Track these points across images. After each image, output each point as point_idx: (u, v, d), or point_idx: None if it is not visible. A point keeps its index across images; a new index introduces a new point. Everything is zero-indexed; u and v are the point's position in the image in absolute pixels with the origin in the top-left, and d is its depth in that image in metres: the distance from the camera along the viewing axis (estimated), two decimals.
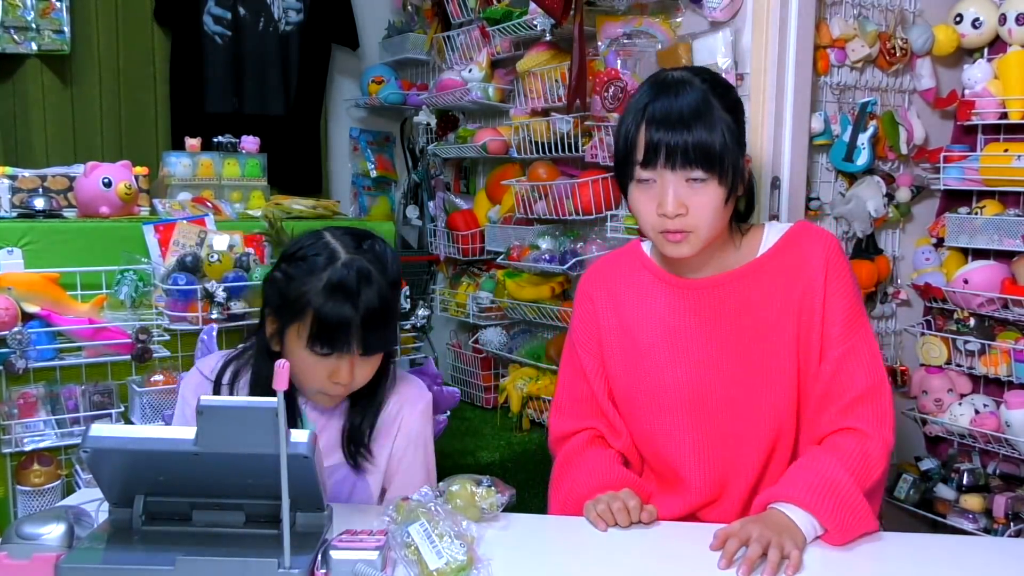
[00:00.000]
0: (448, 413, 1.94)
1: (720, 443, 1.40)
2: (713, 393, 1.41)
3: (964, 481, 2.23)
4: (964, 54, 2.36)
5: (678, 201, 1.30)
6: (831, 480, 1.26)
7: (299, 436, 1.05)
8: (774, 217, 2.03)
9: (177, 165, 2.34)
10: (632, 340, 1.46)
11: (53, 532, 1.08)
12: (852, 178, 2.29)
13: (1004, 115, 2.16)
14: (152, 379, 1.92)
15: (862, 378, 1.36)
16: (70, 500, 1.42)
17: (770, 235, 1.44)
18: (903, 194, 2.32)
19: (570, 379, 1.55)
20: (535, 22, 2.45)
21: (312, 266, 1.35)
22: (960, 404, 2.27)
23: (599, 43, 2.40)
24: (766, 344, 1.38)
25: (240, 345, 1.59)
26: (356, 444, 1.47)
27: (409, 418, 1.51)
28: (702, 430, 1.42)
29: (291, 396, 1.45)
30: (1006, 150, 2.16)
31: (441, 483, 1.29)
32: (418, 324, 2.22)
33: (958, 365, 2.30)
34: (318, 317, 1.32)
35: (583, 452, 1.49)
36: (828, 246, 1.40)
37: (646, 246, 1.52)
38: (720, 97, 1.33)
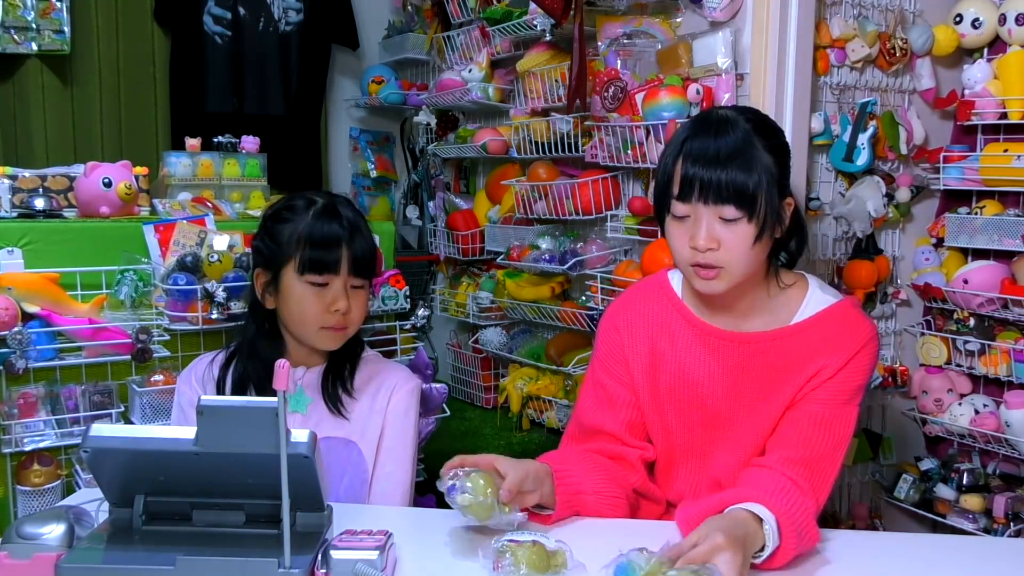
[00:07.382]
0: (435, 420, 1.94)
1: (714, 488, 1.42)
2: (719, 443, 1.44)
3: (964, 481, 2.23)
4: (964, 54, 2.36)
5: (710, 235, 1.30)
6: (786, 490, 1.26)
7: (299, 436, 1.05)
8: None
9: (177, 165, 2.34)
10: (653, 378, 1.47)
11: (53, 532, 1.08)
12: (852, 178, 2.29)
13: (1004, 115, 2.16)
14: (152, 379, 1.91)
15: (822, 446, 1.34)
16: (70, 500, 1.42)
17: (811, 302, 1.42)
18: (903, 194, 2.32)
19: (589, 409, 1.50)
20: (535, 22, 2.44)
21: (295, 211, 1.51)
22: (960, 404, 2.27)
23: (599, 43, 2.40)
24: (774, 406, 1.39)
25: (231, 345, 1.64)
26: (335, 381, 1.57)
27: (397, 396, 1.61)
28: (701, 472, 1.46)
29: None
30: (1006, 150, 2.16)
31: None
32: (418, 324, 2.22)
33: (958, 365, 2.30)
34: (310, 241, 1.47)
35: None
36: (865, 340, 1.38)
37: (675, 283, 1.51)
38: (764, 138, 1.32)
